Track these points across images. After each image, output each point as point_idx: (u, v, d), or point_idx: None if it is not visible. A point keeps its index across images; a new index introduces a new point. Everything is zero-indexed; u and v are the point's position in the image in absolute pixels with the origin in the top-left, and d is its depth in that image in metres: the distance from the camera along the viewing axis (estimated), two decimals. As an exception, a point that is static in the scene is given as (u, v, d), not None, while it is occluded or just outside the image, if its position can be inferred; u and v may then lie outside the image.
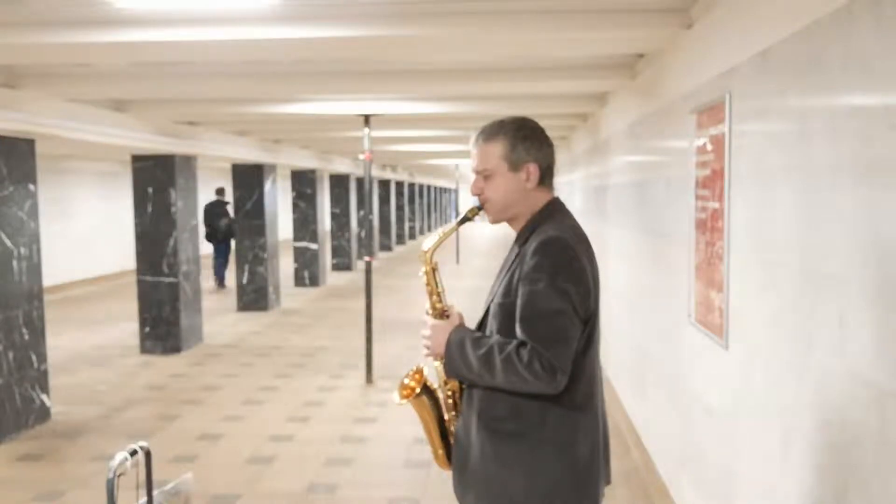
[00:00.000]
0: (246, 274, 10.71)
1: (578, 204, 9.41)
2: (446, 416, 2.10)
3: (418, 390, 2.08)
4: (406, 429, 5.45)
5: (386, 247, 20.90)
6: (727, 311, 2.91)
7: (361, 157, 6.69)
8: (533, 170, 1.96)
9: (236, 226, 10.93)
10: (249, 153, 9.85)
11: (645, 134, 4.72)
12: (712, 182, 3.11)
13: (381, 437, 5.30)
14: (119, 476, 2.43)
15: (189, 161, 8.11)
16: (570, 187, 10.72)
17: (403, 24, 3.51)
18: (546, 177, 1.99)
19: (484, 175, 1.98)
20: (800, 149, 2.24)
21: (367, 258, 6.70)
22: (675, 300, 3.77)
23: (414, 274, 15.62)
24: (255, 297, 10.72)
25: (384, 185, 20.68)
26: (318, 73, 5.05)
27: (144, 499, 2.62)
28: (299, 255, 13.38)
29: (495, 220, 2.05)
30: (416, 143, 11.44)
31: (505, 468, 1.88)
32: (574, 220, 1.99)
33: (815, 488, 2.12)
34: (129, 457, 2.49)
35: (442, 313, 2.05)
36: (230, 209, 12.57)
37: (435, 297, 2.06)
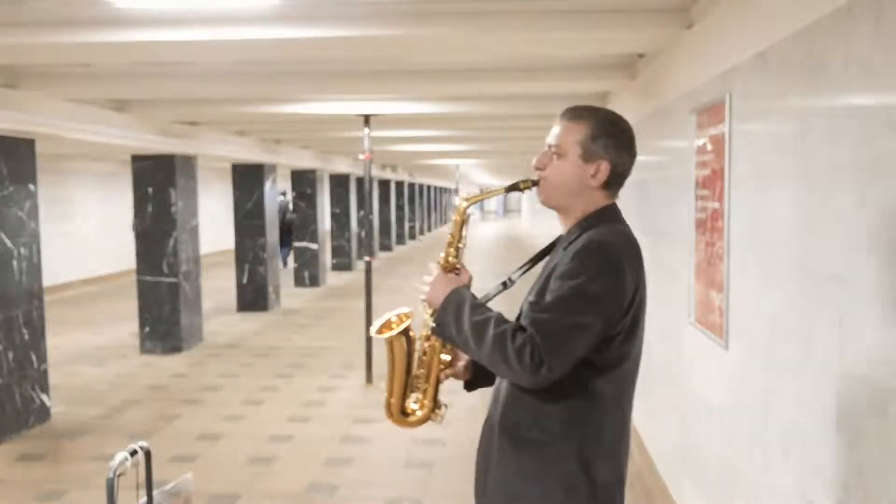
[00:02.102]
0: (246, 274, 10.71)
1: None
2: (415, 370, 2.03)
3: (397, 330, 2.01)
4: (406, 429, 5.45)
5: (386, 247, 20.90)
6: (727, 311, 2.91)
7: (361, 157, 6.70)
8: (604, 168, 1.81)
9: (295, 219, 12.85)
10: (249, 153, 9.85)
11: (645, 134, 4.72)
12: (712, 182, 3.11)
13: (381, 437, 5.30)
14: (119, 476, 2.43)
15: (189, 161, 8.11)
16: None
17: (403, 24, 3.51)
18: (614, 182, 1.85)
19: (554, 152, 1.85)
20: (800, 149, 2.24)
21: (367, 258, 6.69)
22: (675, 300, 3.77)
23: (414, 274, 15.62)
24: (255, 297, 10.72)
25: (384, 185, 20.67)
26: (318, 73, 5.05)
27: (144, 499, 2.62)
28: (299, 255, 13.37)
29: (545, 202, 1.92)
30: (416, 143, 11.44)
31: (522, 478, 1.80)
32: (628, 229, 1.85)
33: (815, 488, 2.12)
34: (129, 457, 2.48)
35: (453, 268, 1.96)
36: (290, 206, 14.29)
37: (451, 250, 1.98)
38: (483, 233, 31.04)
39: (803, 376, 2.19)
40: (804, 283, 2.19)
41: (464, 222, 2.00)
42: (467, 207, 1.99)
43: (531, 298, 1.80)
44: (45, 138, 5.88)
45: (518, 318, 1.84)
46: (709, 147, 3.17)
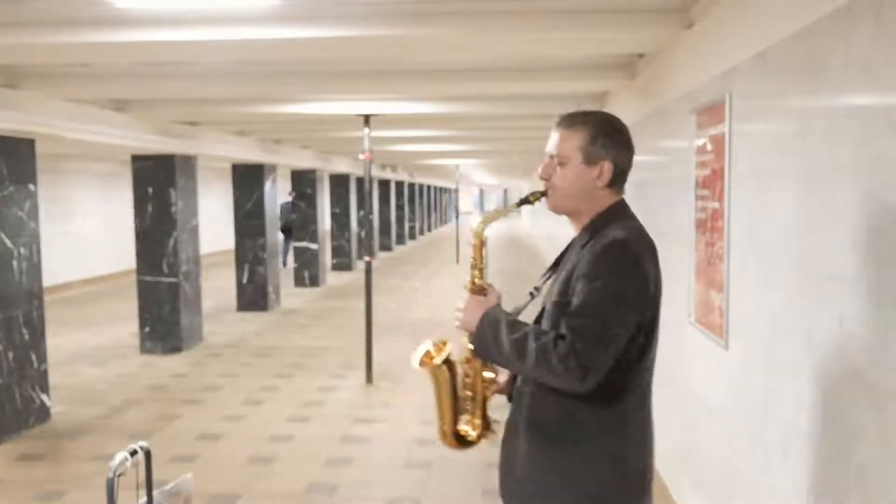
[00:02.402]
0: (246, 274, 10.71)
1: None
2: (460, 393, 2.05)
3: (438, 361, 2.04)
4: (406, 429, 5.45)
5: (386, 247, 20.90)
6: (727, 311, 2.91)
7: (361, 157, 6.69)
8: (607, 168, 1.88)
9: (295, 219, 12.98)
10: (249, 153, 9.85)
11: (645, 134, 4.72)
12: (712, 182, 3.11)
13: (381, 437, 5.30)
14: (119, 476, 2.43)
15: (189, 161, 8.11)
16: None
17: (403, 24, 3.51)
18: (618, 179, 1.91)
19: (557, 161, 1.91)
20: (800, 149, 2.24)
21: (367, 258, 6.69)
22: (676, 300, 3.77)
23: (414, 274, 15.64)
24: (255, 297, 10.72)
25: (384, 185, 20.67)
26: (318, 73, 5.05)
27: (144, 499, 2.62)
28: (299, 255, 13.38)
29: (555, 209, 1.97)
30: (416, 143, 11.44)
31: (552, 474, 1.83)
32: (640, 224, 1.90)
33: (815, 488, 2.12)
34: (129, 457, 2.48)
35: (481, 290, 1.98)
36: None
37: (476, 272, 2.01)
38: (488, 231, 31.00)
39: (803, 376, 2.19)
40: (804, 283, 2.19)
41: (482, 244, 2.05)
42: (484, 229, 2.03)
43: (554, 298, 1.85)
44: (45, 138, 5.87)
45: (540, 317, 1.91)
46: (709, 147, 3.17)
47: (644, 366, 1.84)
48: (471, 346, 1.95)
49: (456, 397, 2.06)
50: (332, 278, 14.47)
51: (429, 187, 32.54)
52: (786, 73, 2.36)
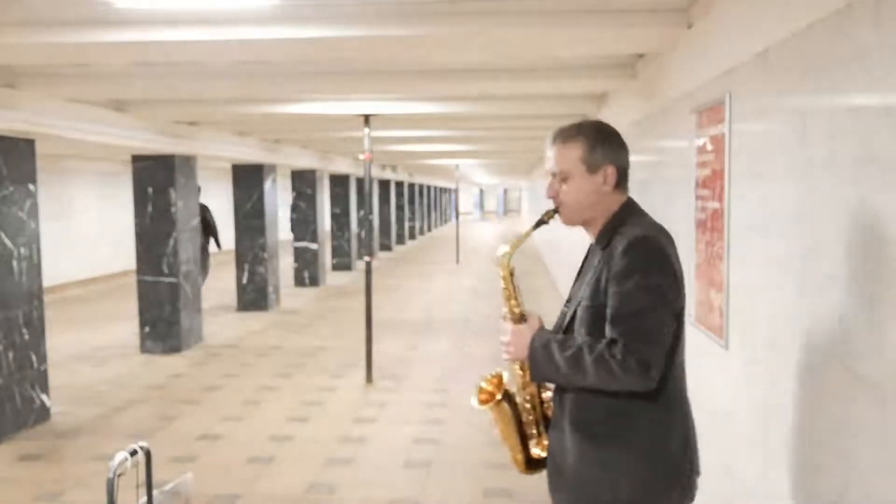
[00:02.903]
0: (246, 274, 10.71)
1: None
2: (524, 419, 2.08)
3: (499, 396, 2.06)
4: (406, 429, 5.45)
5: (386, 247, 20.91)
6: (727, 311, 2.91)
7: (361, 157, 6.69)
8: (611, 172, 1.95)
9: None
10: (249, 153, 9.85)
11: (645, 134, 4.73)
12: (712, 182, 3.11)
13: (381, 437, 5.30)
14: (119, 476, 2.43)
15: (189, 161, 8.11)
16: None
17: (404, 24, 3.51)
18: (622, 180, 1.98)
19: (560, 177, 1.98)
20: (800, 149, 2.24)
21: (367, 258, 6.70)
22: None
23: (414, 274, 15.64)
24: (255, 297, 10.73)
25: (384, 185, 20.68)
26: (318, 73, 5.05)
27: (144, 499, 2.62)
28: (299, 255, 13.38)
29: (570, 223, 2.03)
30: (416, 143, 11.44)
31: (600, 470, 1.89)
32: (652, 219, 1.98)
33: (815, 488, 2.12)
34: (129, 457, 2.48)
35: (521, 317, 2.02)
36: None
37: (513, 302, 2.03)
38: (484, 232, 31.05)
39: (803, 376, 2.19)
40: (804, 283, 2.20)
41: (511, 274, 2.05)
42: (508, 260, 2.04)
43: (586, 303, 1.91)
44: (45, 138, 5.88)
45: (573, 320, 1.96)
46: (709, 147, 3.17)
47: (679, 355, 1.90)
48: (521, 373, 2.03)
49: (521, 425, 2.09)
50: (332, 278, 14.47)
51: (429, 187, 32.55)
52: (786, 73, 2.36)
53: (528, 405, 2.07)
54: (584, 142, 1.95)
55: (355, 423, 5.61)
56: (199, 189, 8.79)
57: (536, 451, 2.08)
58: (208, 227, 10.46)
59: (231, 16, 3.49)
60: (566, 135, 1.97)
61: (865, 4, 1.82)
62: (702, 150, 3.27)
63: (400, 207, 23.63)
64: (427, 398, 6.23)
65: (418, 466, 4.74)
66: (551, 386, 2.06)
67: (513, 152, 14.44)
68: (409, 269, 16.77)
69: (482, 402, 2.08)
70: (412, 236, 26.48)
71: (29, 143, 5.59)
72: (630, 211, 1.98)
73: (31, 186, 5.61)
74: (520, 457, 2.09)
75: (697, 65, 3.39)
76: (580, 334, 1.92)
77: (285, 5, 3.36)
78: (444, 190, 40.49)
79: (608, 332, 1.81)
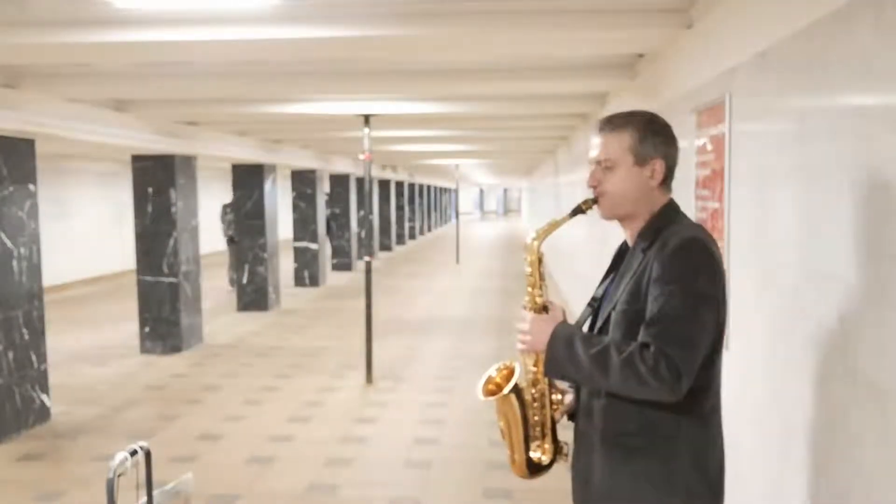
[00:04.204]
0: (246, 274, 10.71)
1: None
2: (530, 418, 1.96)
3: (507, 389, 1.93)
4: (406, 429, 5.45)
5: (386, 247, 20.91)
6: (727, 311, 2.91)
7: (361, 157, 6.70)
8: (659, 167, 1.83)
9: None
10: (249, 153, 9.85)
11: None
12: (712, 182, 3.11)
13: (381, 437, 5.30)
14: (119, 476, 2.43)
15: (189, 161, 8.11)
16: (572, 187, 10.72)
17: (403, 24, 3.51)
18: (669, 177, 1.87)
19: (605, 166, 1.84)
20: (800, 149, 2.24)
21: (367, 258, 6.70)
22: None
23: (414, 274, 15.64)
24: (255, 297, 10.73)
25: (384, 185, 20.68)
26: (318, 73, 5.05)
27: (144, 499, 2.62)
28: (299, 255, 13.38)
29: (609, 216, 1.90)
30: (416, 143, 11.44)
31: (635, 483, 1.77)
32: (696, 223, 1.89)
33: (815, 488, 2.12)
34: (129, 457, 2.48)
35: (542, 308, 1.90)
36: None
37: (536, 290, 1.91)
38: (484, 232, 31.04)
39: (803, 376, 2.19)
40: (804, 283, 2.19)
41: (539, 261, 1.94)
42: (539, 245, 1.93)
43: (623, 307, 1.79)
44: (45, 138, 5.87)
45: (606, 324, 1.84)
46: (709, 147, 3.17)
47: (717, 365, 1.80)
48: (534, 369, 1.91)
49: (527, 424, 1.97)
50: (332, 278, 14.47)
51: (429, 187, 32.55)
52: (786, 73, 2.36)
53: (536, 404, 1.96)
54: (634, 131, 1.82)
55: (355, 423, 5.61)
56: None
57: (537, 455, 1.97)
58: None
59: (231, 16, 3.49)
60: (616, 123, 1.85)
61: (865, 4, 1.82)
62: (702, 150, 3.27)
63: (400, 207, 23.63)
64: (427, 398, 6.23)
65: (418, 466, 4.74)
66: (562, 386, 1.98)
67: (513, 152, 14.44)
68: (410, 269, 16.77)
69: (488, 394, 1.97)
70: (412, 236, 26.48)
71: (29, 143, 5.59)
72: (673, 213, 1.86)
73: (31, 186, 5.61)
74: (518, 458, 1.98)
75: (697, 65, 3.39)
76: (615, 339, 1.78)
77: (285, 5, 3.36)
78: (444, 190, 40.49)
79: (642, 334, 1.69)
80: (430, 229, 32.63)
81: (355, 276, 14.56)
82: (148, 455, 2.59)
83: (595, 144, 1.87)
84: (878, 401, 1.77)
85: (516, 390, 1.95)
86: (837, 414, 1.98)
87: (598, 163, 1.86)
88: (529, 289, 1.92)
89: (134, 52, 4.09)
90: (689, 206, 3.46)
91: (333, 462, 4.84)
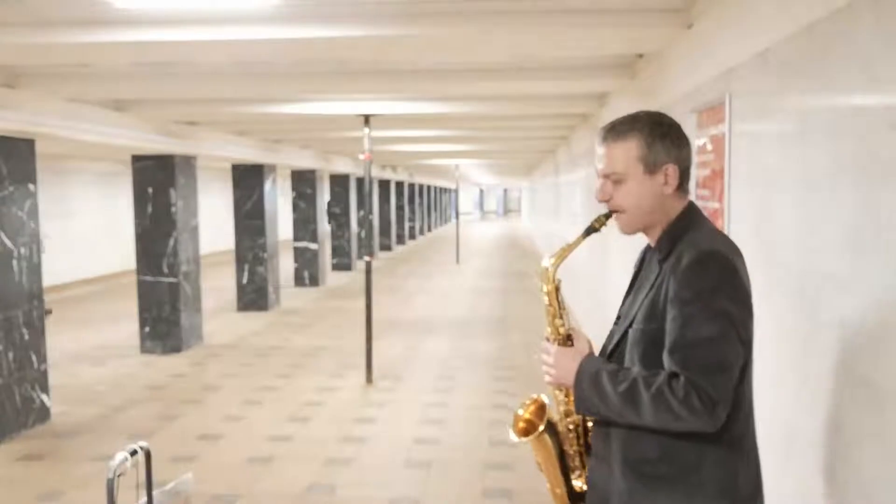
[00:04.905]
0: (246, 274, 10.71)
1: (579, 204, 9.42)
2: (569, 450, 1.88)
3: (541, 427, 1.84)
4: (406, 429, 5.45)
5: (386, 247, 20.91)
6: (727, 311, 2.90)
7: (361, 157, 6.70)
8: (672, 172, 1.69)
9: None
10: (249, 153, 9.85)
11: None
12: (712, 182, 3.11)
13: (381, 437, 5.30)
14: (119, 476, 2.43)
15: (189, 161, 8.11)
16: (571, 187, 10.72)
17: (403, 24, 3.51)
18: (684, 180, 1.73)
19: (613, 179, 1.71)
20: (800, 149, 2.24)
21: (367, 258, 6.70)
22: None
23: (414, 274, 15.64)
24: (255, 297, 10.73)
25: (384, 185, 20.68)
26: (318, 73, 5.05)
27: (144, 499, 2.62)
28: (299, 255, 13.38)
29: (629, 231, 1.76)
30: (416, 143, 11.44)
31: None
32: (717, 228, 1.75)
33: (815, 488, 2.11)
34: (129, 457, 2.48)
35: (566, 338, 1.79)
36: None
37: (558, 320, 1.80)
38: (484, 232, 31.04)
39: (804, 376, 2.19)
40: (804, 283, 2.19)
41: (557, 289, 1.82)
42: (554, 272, 1.80)
43: (640, 325, 1.68)
44: (45, 138, 5.87)
45: (620, 342, 1.74)
46: (709, 147, 3.17)
47: (745, 384, 1.65)
48: (565, 399, 1.82)
49: (563, 457, 1.87)
50: (332, 278, 14.47)
51: (429, 187, 32.56)
52: (786, 73, 2.36)
53: (570, 434, 1.85)
54: (640, 138, 1.68)
55: (355, 423, 5.61)
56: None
57: (579, 484, 1.88)
58: None
59: (231, 16, 3.49)
60: (619, 130, 1.70)
61: (865, 4, 1.82)
62: (702, 150, 3.27)
63: (400, 207, 23.63)
64: (427, 398, 6.23)
65: (418, 466, 4.74)
66: None
67: (513, 152, 14.44)
68: (410, 269, 16.77)
69: (522, 433, 1.88)
70: (412, 236, 26.48)
71: (29, 143, 5.59)
72: (693, 218, 1.72)
73: (31, 186, 5.61)
74: (560, 491, 1.88)
75: (697, 65, 3.39)
76: (632, 362, 1.69)
77: (285, 5, 3.36)
78: (444, 190, 40.48)
79: (667, 363, 1.57)
80: (430, 229, 32.63)
81: (355, 276, 14.56)
82: (148, 455, 2.59)
83: (600, 156, 1.73)
84: (877, 401, 1.77)
85: (550, 426, 1.86)
86: (837, 415, 1.97)
87: (607, 176, 1.73)
88: (550, 318, 1.81)
89: (134, 52, 4.09)
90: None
91: (333, 462, 4.84)
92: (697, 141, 3.34)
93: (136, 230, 7.94)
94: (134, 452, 2.51)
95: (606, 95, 6.21)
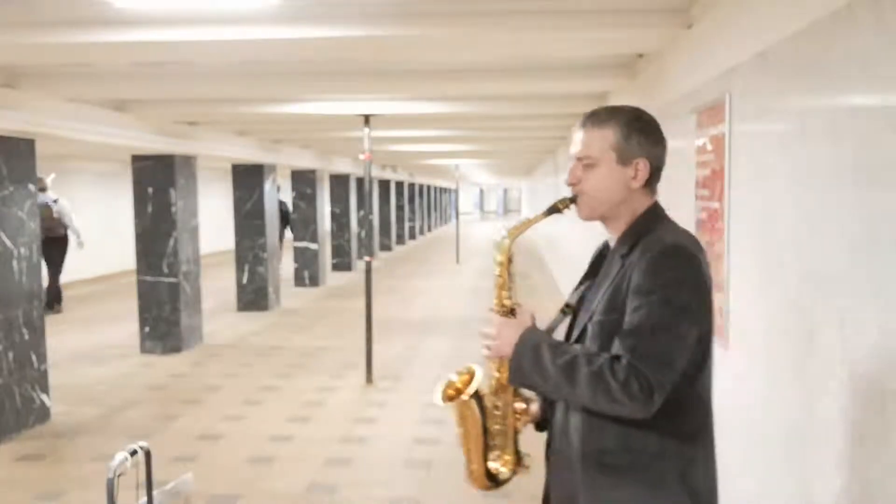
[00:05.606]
0: (246, 274, 10.71)
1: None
2: (490, 427, 1.86)
3: (468, 392, 1.83)
4: (406, 429, 5.45)
5: (386, 247, 20.91)
6: (727, 311, 2.91)
7: (361, 157, 6.70)
8: (643, 167, 1.72)
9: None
10: (249, 153, 9.85)
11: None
12: (712, 182, 3.11)
13: (381, 437, 5.30)
14: (119, 476, 2.43)
15: (189, 161, 8.11)
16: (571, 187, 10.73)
17: (403, 24, 3.51)
18: (654, 179, 1.76)
19: (585, 163, 1.73)
20: (800, 149, 2.24)
21: (367, 258, 6.70)
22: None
23: (414, 274, 15.64)
24: (255, 297, 10.72)
25: (384, 185, 20.68)
26: (318, 73, 5.05)
27: (144, 499, 2.62)
28: (299, 255, 13.38)
29: (588, 217, 1.79)
30: (416, 143, 11.44)
31: None
32: (682, 227, 1.76)
33: (815, 488, 2.12)
34: (129, 457, 2.48)
35: (510, 311, 1.80)
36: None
37: (504, 292, 1.81)
38: (484, 232, 31.03)
39: (803, 376, 2.19)
40: (804, 283, 2.19)
41: (510, 260, 1.83)
42: (510, 244, 1.82)
43: (599, 317, 1.69)
44: (45, 138, 5.87)
45: (582, 335, 1.73)
46: (709, 147, 3.17)
47: (704, 378, 1.68)
48: (497, 374, 1.81)
49: (487, 433, 1.86)
50: (332, 278, 14.47)
51: (429, 187, 32.55)
52: (786, 73, 2.36)
53: (498, 412, 1.85)
54: (617, 128, 1.71)
55: (355, 423, 5.61)
56: (278, 187, 11.16)
57: (495, 466, 1.87)
58: (285, 218, 13.03)
59: (231, 16, 3.49)
60: (600, 118, 1.74)
61: (865, 4, 1.82)
62: (702, 150, 3.27)
63: (400, 207, 23.63)
64: (427, 398, 6.20)
65: (418, 466, 4.74)
66: (528, 395, 1.87)
67: (513, 152, 14.44)
68: (410, 269, 16.76)
69: (448, 399, 1.86)
70: (412, 236, 26.47)
71: (29, 143, 5.59)
72: (657, 216, 1.75)
73: (31, 186, 5.61)
74: (476, 468, 1.87)
75: (697, 65, 3.39)
76: None
77: (285, 5, 3.36)
78: (444, 190, 40.48)
79: (616, 346, 1.59)
80: (430, 229, 32.62)
81: (355, 276, 14.55)
82: (148, 455, 2.59)
83: (577, 140, 1.76)
84: (878, 401, 1.77)
85: (477, 397, 1.85)
86: (837, 414, 1.98)
87: (579, 159, 1.75)
88: (498, 290, 1.82)
89: (134, 52, 4.09)
90: (689, 206, 3.46)
91: (333, 462, 4.84)
92: (697, 141, 3.34)
93: (136, 230, 7.93)
94: (134, 452, 2.52)
95: (606, 95, 6.20)
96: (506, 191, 55.91)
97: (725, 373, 2.96)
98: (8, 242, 5.36)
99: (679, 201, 3.70)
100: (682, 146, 3.66)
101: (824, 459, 2.05)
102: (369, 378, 6.67)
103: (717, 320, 3.02)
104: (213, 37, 3.58)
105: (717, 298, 3.00)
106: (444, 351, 8.04)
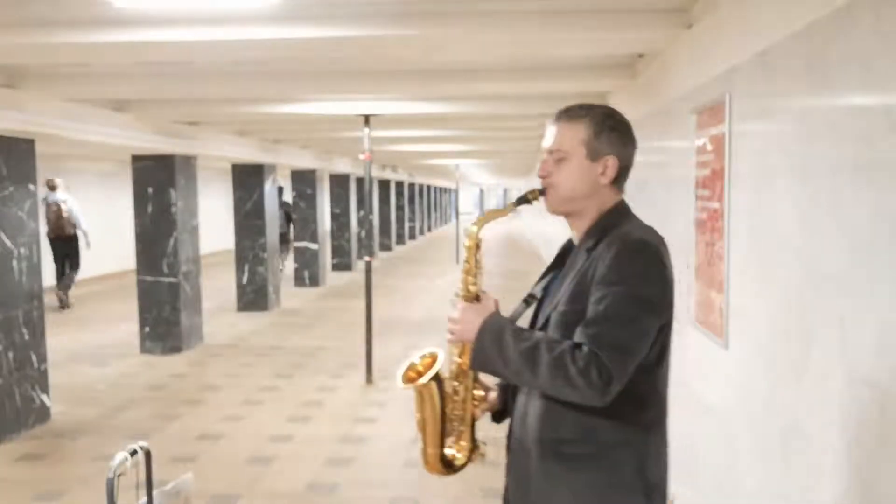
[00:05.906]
0: (246, 274, 10.71)
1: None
2: (449, 411, 1.90)
3: (428, 376, 1.87)
4: (406, 429, 5.45)
5: (386, 247, 20.91)
6: (727, 311, 2.91)
7: (361, 157, 6.70)
8: (612, 164, 1.76)
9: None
10: (249, 153, 9.85)
11: (645, 134, 4.72)
12: (712, 182, 3.11)
13: (381, 437, 5.30)
14: (119, 476, 2.43)
15: (189, 161, 8.11)
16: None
17: (403, 24, 3.51)
18: (621, 177, 1.80)
19: (556, 157, 1.78)
20: (800, 149, 2.24)
21: (367, 258, 6.69)
22: (676, 300, 3.76)
23: (414, 274, 15.64)
24: (254, 297, 10.72)
25: (384, 185, 20.68)
26: (318, 73, 5.05)
27: (144, 499, 2.62)
28: (299, 255, 13.38)
29: (555, 210, 1.83)
30: (416, 143, 11.44)
31: (574, 495, 1.70)
32: (647, 224, 1.81)
33: (815, 488, 2.11)
34: (129, 457, 2.48)
35: (475, 297, 1.83)
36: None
37: (470, 277, 1.84)
38: (484, 232, 30.97)
39: (803, 377, 2.19)
40: (804, 283, 2.19)
41: (477, 247, 1.88)
42: (479, 231, 1.86)
43: (562, 308, 1.71)
44: (45, 138, 5.87)
45: (546, 326, 1.76)
46: (709, 147, 3.17)
47: (662, 371, 1.73)
48: (459, 360, 1.83)
49: (444, 417, 1.89)
50: (332, 278, 14.47)
51: (429, 187, 32.55)
52: (786, 73, 2.36)
53: (457, 397, 1.88)
54: (590, 124, 1.76)
55: (355, 423, 5.61)
56: (281, 188, 11.39)
57: (451, 452, 1.91)
58: (290, 218, 13.30)
59: (231, 16, 3.49)
60: (573, 113, 1.79)
61: (865, 4, 1.82)
62: (702, 150, 3.27)
63: (400, 207, 23.63)
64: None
65: (418, 466, 4.73)
66: (487, 383, 1.92)
67: (513, 152, 14.43)
68: (410, 269, 16.77)
69: (409, 381, 1.89)
70: (412, 236, 26.48)
71: (29, 143, 5.59)
72: (624, 213, 1.80)
73: (31, 186, 5.61)
74: (432, 451, 1.90)
75: (697, 65, 3.39)
76: None
77: (285, 5, 3.36)
78: (444, 190, 40.50)
79: (578, 334, 1.61)
80: (430, 229, 32.62)
81: (355, 276, 14.55)
82: (148, 455, 2.59)
83: (549, 134, 1.81)
84: (878, 401, 1.77)
85: (437, 380, 1.88)
86: (837, 415, 1.98)
87: (550, 153, 1.79)
88: (464, 276, 1.85)
89: (134, 52, 4.09)
90: (689, 206, 3.46)
91: (333, 462, 4.84)
92: (697, 141, 3.34)
93: (135, 230, 7.93)
94: (134, 452, 2.51)
95: (607, 95, 6.20)
96: (506, 191, 55.86)
97: (725, 373, 2.97)
98: (8, 242, 5.36)
99: (679, 201, 3.70)
100: (682, 146, 3.66)
101: (824, 459, 2.05)
102: (369, 378, 6.67)
103: (717, 320, 3.02)
104: (213, 37, 3.58)
105: (718, 298, 3.00)
106: (444, 351, 8.04)
